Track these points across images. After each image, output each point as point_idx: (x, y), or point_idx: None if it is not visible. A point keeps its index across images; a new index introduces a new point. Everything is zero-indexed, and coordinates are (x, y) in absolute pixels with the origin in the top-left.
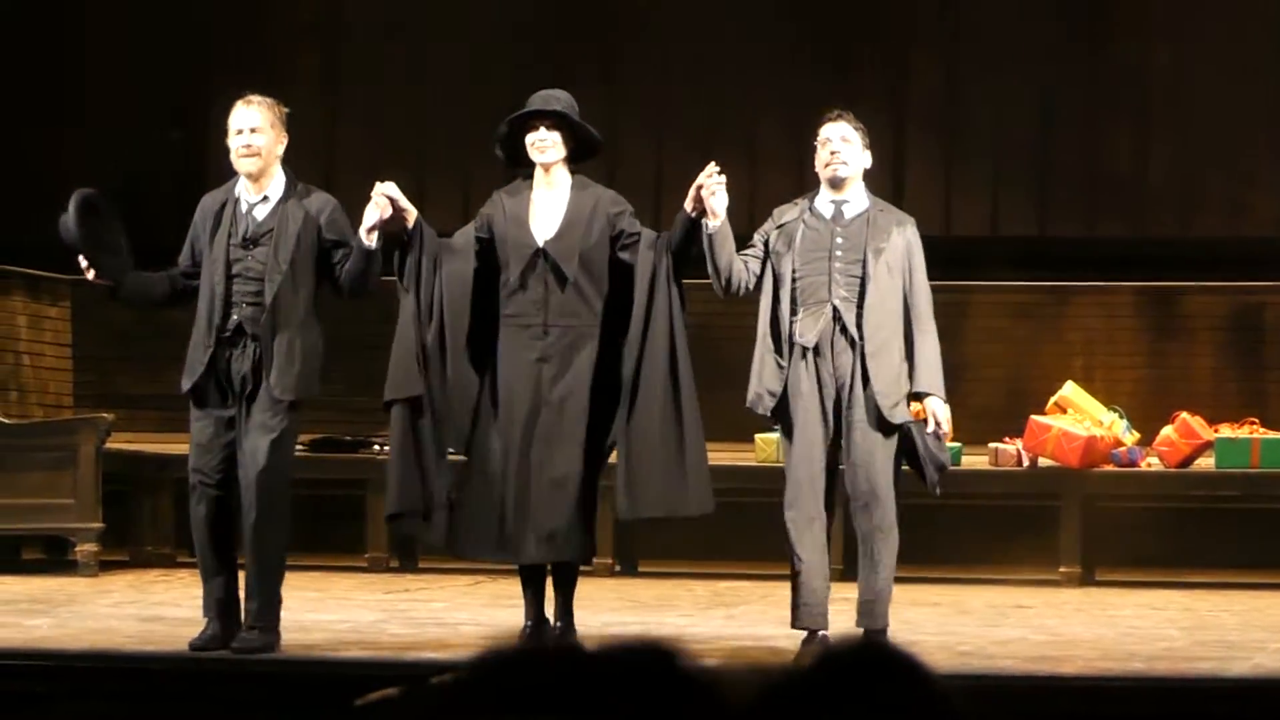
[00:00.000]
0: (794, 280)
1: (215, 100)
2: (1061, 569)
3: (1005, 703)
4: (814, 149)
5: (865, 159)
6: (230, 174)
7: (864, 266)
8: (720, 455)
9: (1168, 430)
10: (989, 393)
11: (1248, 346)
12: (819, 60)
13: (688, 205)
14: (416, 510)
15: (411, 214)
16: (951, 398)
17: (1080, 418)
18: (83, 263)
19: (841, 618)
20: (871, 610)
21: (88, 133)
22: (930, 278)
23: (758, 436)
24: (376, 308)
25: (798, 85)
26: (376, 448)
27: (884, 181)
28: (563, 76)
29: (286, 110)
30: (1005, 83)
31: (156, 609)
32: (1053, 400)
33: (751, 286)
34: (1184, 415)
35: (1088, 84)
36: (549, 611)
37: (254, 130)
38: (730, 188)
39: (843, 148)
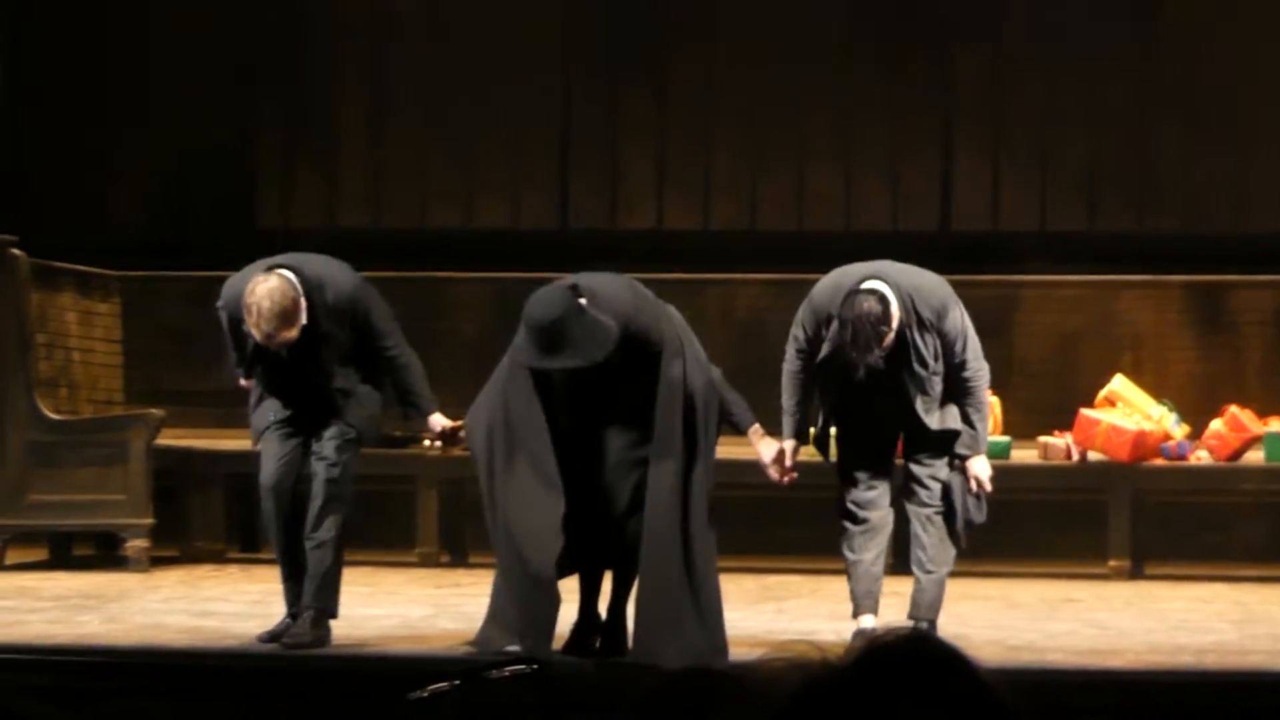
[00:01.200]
0: (842, 404)
1: (263, 96)
2: (1111, 563)
3: (1055, 697)
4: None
5: (896, 315)
6: (279, 168)
7: (906, 394)
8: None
9: (1217, 424)
10: (1038, 387)
11: None
12: (868, 58)
13: (760, 455)
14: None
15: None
16: (1001, 392)
17: (1129, 411)
18: None
19: (890, 611)
20: (921, 599)
21: (140, 132)
22: (979, 273)
23: (811, 430)
24: (426, 304)
25: (847, 82)
26: (426, 443)
27: (933, 177)
28: (612, 76)
29: (293, 280)
30: (1054, 77)
31: (207, 605)
32: (1102, 394)
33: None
34: (1233, 409)
35: (1138, 78)
36: (601, 608)
37: (284, 341)
38: (779, 186)
39: (879, 345)
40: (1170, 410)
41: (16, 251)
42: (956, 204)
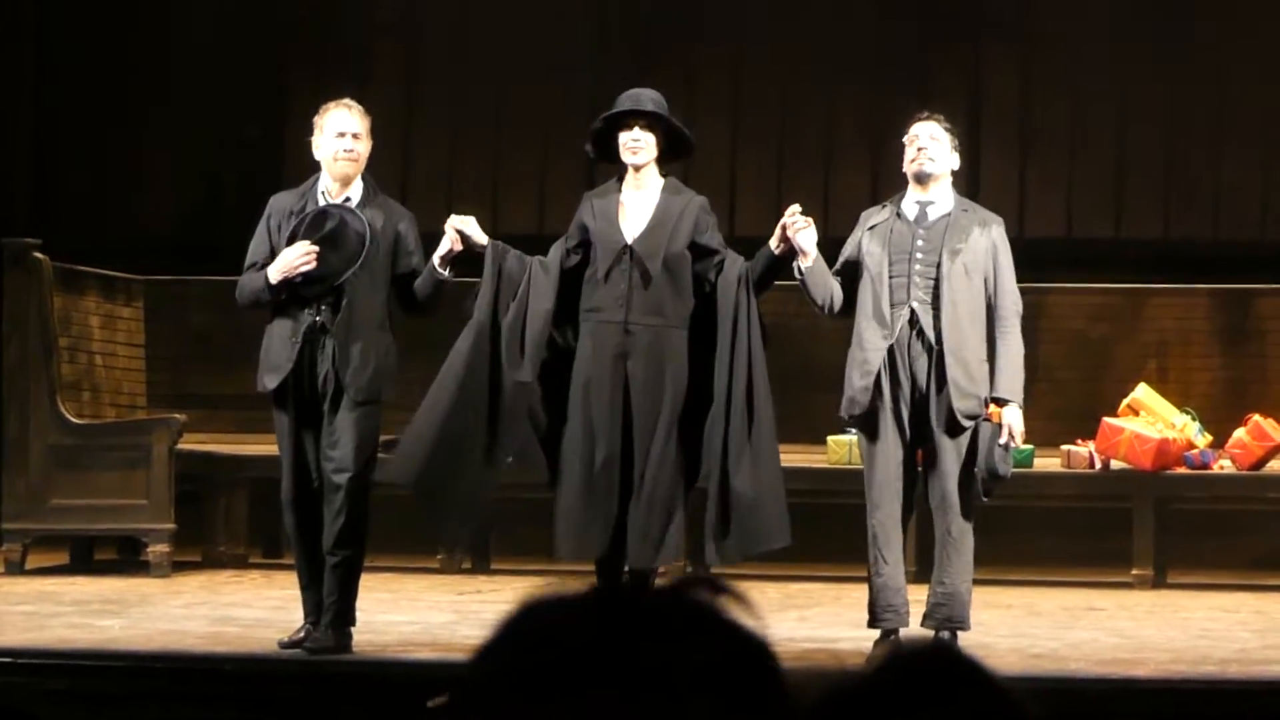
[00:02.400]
0: (889, 279)
1: (291, 98)
2: (1134, 571)
3: (1078, 705)
4: (902, 147)
5: (953, 159)
6: (308, 171)
7: (939, 269)
8: (793, 457)
9: (1240, 433)
10: (1062, 394)
11: None
12: (894, 62)
13: (773, 244)
14: (435, 491)
15: (484, 244)
16: (1025, 399)
17: (1153, 420)
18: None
19: (913, 620)
20: (937, 612)
21: (165, 136)
22: None
23: (830, 439)
24: (449, 308)
25: (873, 87)
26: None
27: (959, 183)
28: (639, 79)
29: (370, 118)
30: (1081, 84)
31: (228, 610)
32: (1125, 402)
33: (851, 305)
34: (1257, 418)
35: (1165, 85)
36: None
37: (356, 136)
38: (805, 191)
39: (930, 144)
40: (1193, 419)
41: (40, 255)
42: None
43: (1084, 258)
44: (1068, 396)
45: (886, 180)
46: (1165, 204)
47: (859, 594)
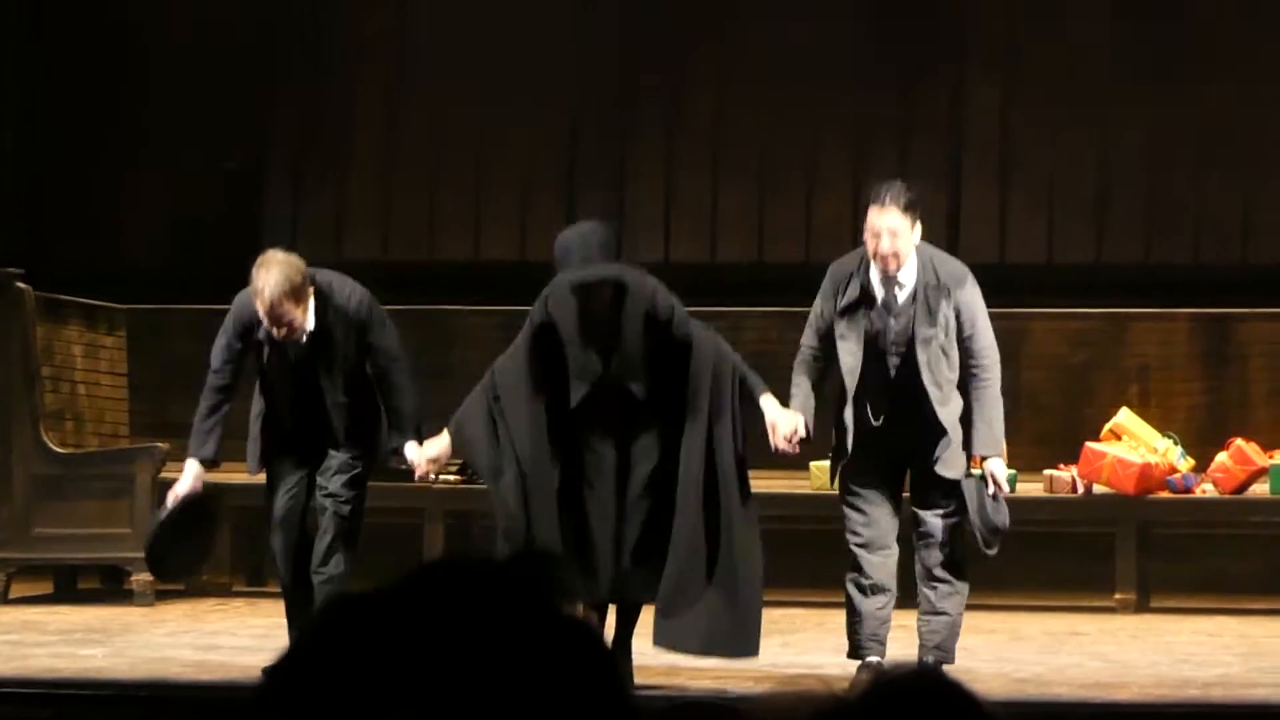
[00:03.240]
0: (860, 369)
1: (275, 130)
2: (1117, 595)
3: None
4: (863, 228)
5: (916, 237)
6: (290, 203)
7: (915, 359)
8: (776, 483)
9: (1223, 457)
10: (1044, 420)
11: None
12: (877, 86)
13: (775, 441)
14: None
15: (447, 449)
16: (1007, 425)
17: (1135, 444)
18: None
19: (896, 645)
20: (928, 640)
21: (147, 165)
22: (986, 304)
23: (813, 464)
24: (433, 336)
25: (855, 114)
26: (433, 477)
27: (939, 209)
28: (624, 101)
29: (300, 273)
30: (1062, 110)
31: (212, 638)
32: (1107, 427)
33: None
34: (1239, 442)
35: (1145, 110)
36: (607, 638)
37: (285, 318)
38: (786, 218)
39: (891, 242)
40: (1176, 443)
41: (22, 285)
42: (963, 235)
43: (1065, 283)
44: (1050, 421)
45: (867, 208)
46: (1146, 229)
47: (842, 620)
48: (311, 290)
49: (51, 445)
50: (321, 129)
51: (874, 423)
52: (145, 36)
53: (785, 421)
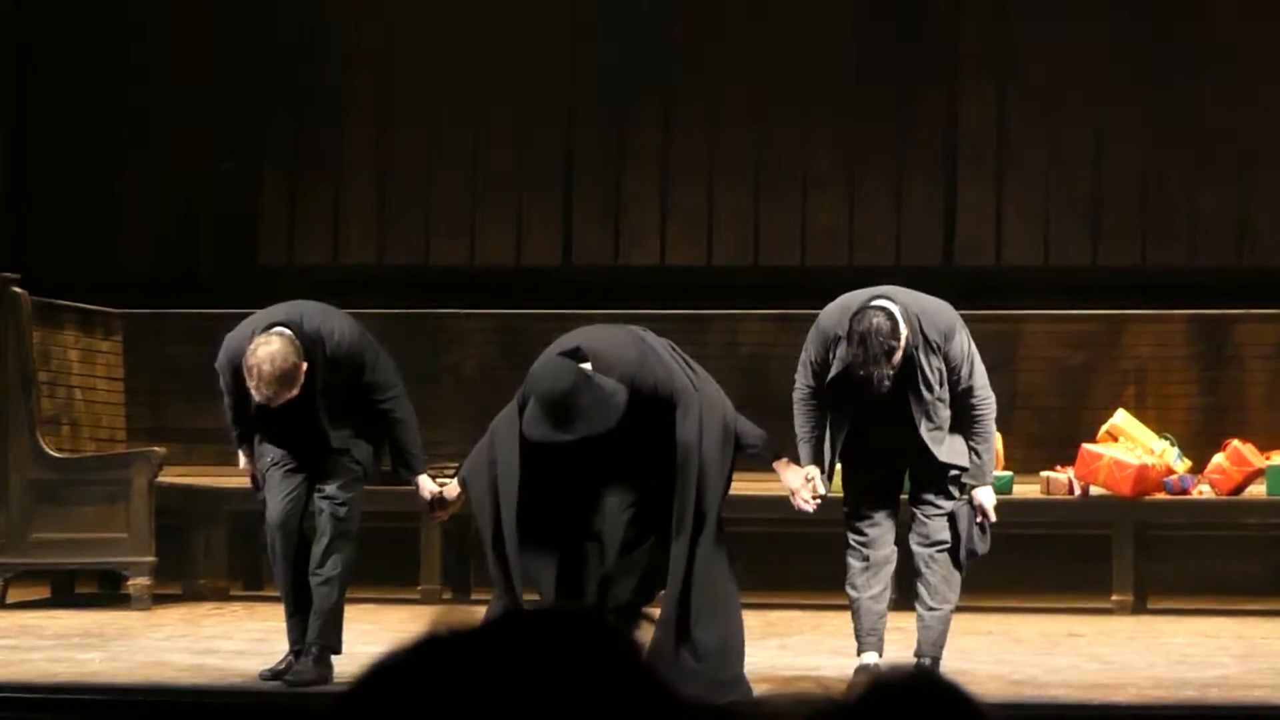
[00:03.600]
0: (849, 429)
1: (269, 132)
2: (1114, 597)
3: None
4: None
5: (902, 339)
6: (284, 208)
7: (909, 413)
8: (774, 485)
9: (1219, 458)
10: (1041, 421)
11: None
12: (872, 92)
13: (776, 467)
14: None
15: (455, 492)
16: (1003, 427)
17: (1132, 446)
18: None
19: (895, 647)
20: (925, 639)
21: (143, 170)
22: (982, 307)
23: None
24: (429, 340)
25: (850, 116)
26: (437, 486)
27: (937, 210)
28: (614, 112)
29: (294, 341)
30: (1058, 112)
31: (209, 642)
32: (1104, 429)
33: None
34: (1235, 443)
35: (1141, 112)
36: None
37: (285, 399)
38: (782, 220)
39: (890, 374)
40: (1172, 445)
41: (18, 290)
42: (960, 238)
43: (1062, 285)
44: (1046, 423)
45: (863, 212)
46: (1142, 231)
47: (840, 622)
48: (302, 357)
49: (48, 450)
50: (317, 134)
51: (869, 449)
52: (139, 41)
53: (794, 478)
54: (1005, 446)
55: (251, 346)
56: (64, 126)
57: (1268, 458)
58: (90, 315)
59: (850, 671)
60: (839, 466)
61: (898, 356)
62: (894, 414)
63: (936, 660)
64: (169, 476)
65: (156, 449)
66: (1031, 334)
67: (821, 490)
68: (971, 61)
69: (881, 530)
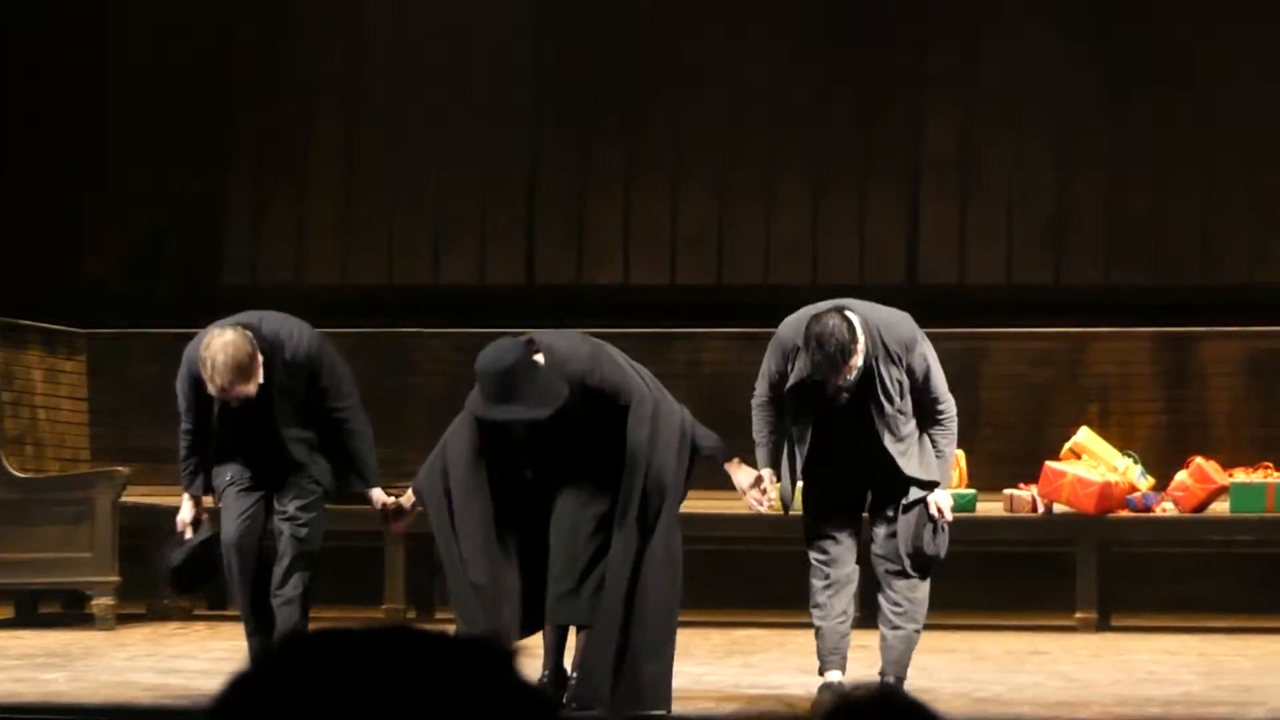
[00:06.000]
0: (810, 442)
1: (233, 153)
2: (1078, 614)
3: None
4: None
5: (861, 347)
6: (248, 225)
7: (870, 423)
8: (738, 504)
9: (1183, 475)
10: (1005, 439)
11: (1263, 392)
12: (835, 112)
13: (727, 467)
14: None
15: (410, 501)
16: (967, 444)
17: (1095, 463)
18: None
19: (858, 666)
20: (889, 658)
21: (108, 190)
22: (946, 325)
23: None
24: (392, 359)
25: (814, 136)
26: (391, 498)
27: (900, 227)
28: (583, 124)
29: (250, 335)
30: (1021, 130)
31: (173, 662)
32: (1067, 446)
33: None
34: (1199, 460)
35: (1105, 131)
36: (567, 663)
37: (240, 395)
38: (745, 239)
39: (846, 381)
40: (1136, 462)
41: None
42: (923, 256)
43: (1025, 304)
44: (1010, 441)
45: (826, 229)
46: (1106, 249)
47: (804, 640)
48: (258, 350)
49: (12, 470)
50: (280, 155)
51: (831, 465)
52: (103, 61)
53: (745, 478)
54: (969, 464)
55: (205, 340)
56: (28, 147)
57: (1231, 475)
58: (54, 335)
59: (815, 691)
60: (799, 484)
61: (856, 360)
62: (855, 427)
63: (901, 679)
64: (133, 496)
65: (120, 469)
66: (995, 352)
67: (773, 495)
68: (936, 82)
69: (843, 549)
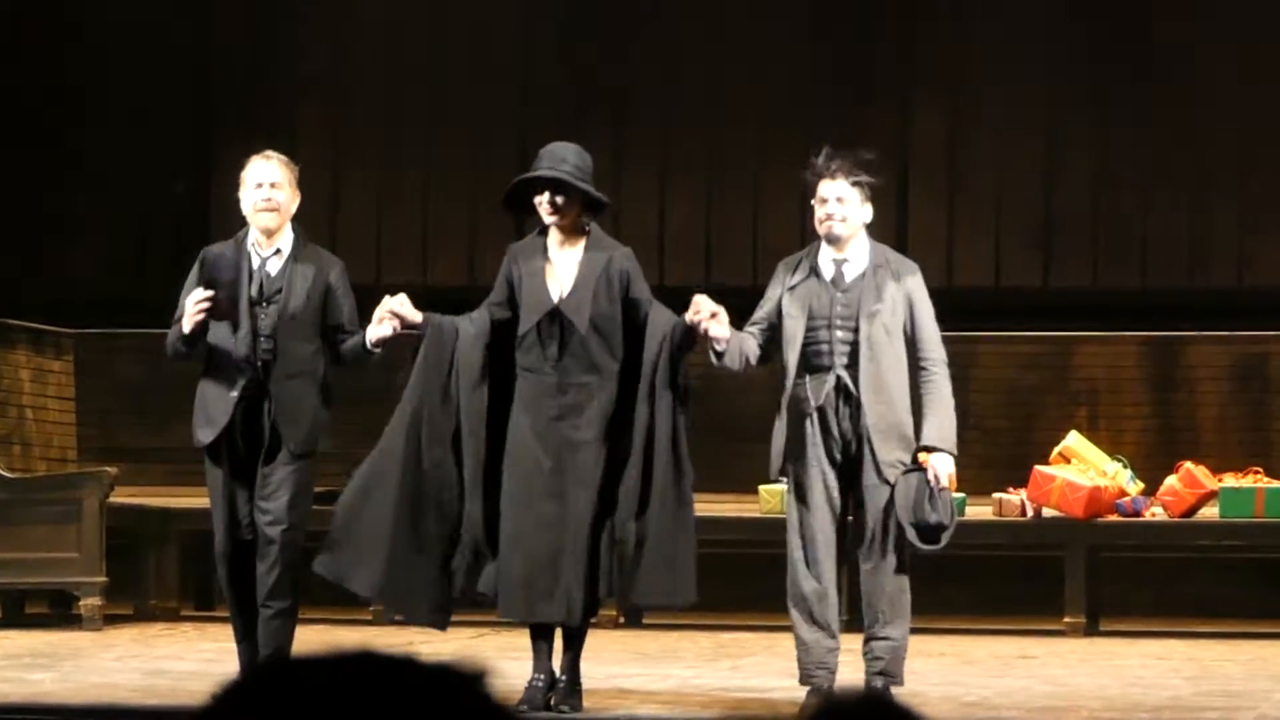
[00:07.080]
0: (803, 345)
1: (219, 153)
2: (1066, 619)
3: None
4: (811, 206)
5: (865, 214)
6: (235, 225)
7: (857, 333)
8: (725, 507)
9: (1172, 480)
10: (993, 443)
11: (1252, 396)
12: (824, 111)
13: (689, 318)
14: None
15: (419, 320)
16: (957, 448)
17: (1084, 468)
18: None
19: (845, 670)
20: (873, 666)
21: (95, 190)
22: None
23: (762, 488)
24: (384, 358)
25: (803, 131)
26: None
27: (887, 231)
28: (570, 120)
29: (298, 168)
30: (1010, 132)
31: (160, 663)
32: (1057, 450)
33: (767, 356)
34: (1188, 465)
35: (1093, 134)
36: (556, 665)
37: (274, 185)
38: (734, 232)
39: (838, 208)
40: (1125, 466)
41: None
42: (911, 258)
43: (1013, 307)
44: (999, 445)
45: (814, 230)
46: (1094, 253)
47: (791, 643)
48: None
49: None
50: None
51: (814, 403)
52: (91, 62)
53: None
54: (957, 467)
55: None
56: (14, 147)
57: (1220, 480)
58: (42, 335)
59: (801, 696)
60: (784, 487)
61: (861, 176)
62: (843, 349)
63: (889, 684)
64: (120, 497)
65: (108, 469)
66: (983, 355)
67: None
68: (923, 83)
69: (826, 558)
